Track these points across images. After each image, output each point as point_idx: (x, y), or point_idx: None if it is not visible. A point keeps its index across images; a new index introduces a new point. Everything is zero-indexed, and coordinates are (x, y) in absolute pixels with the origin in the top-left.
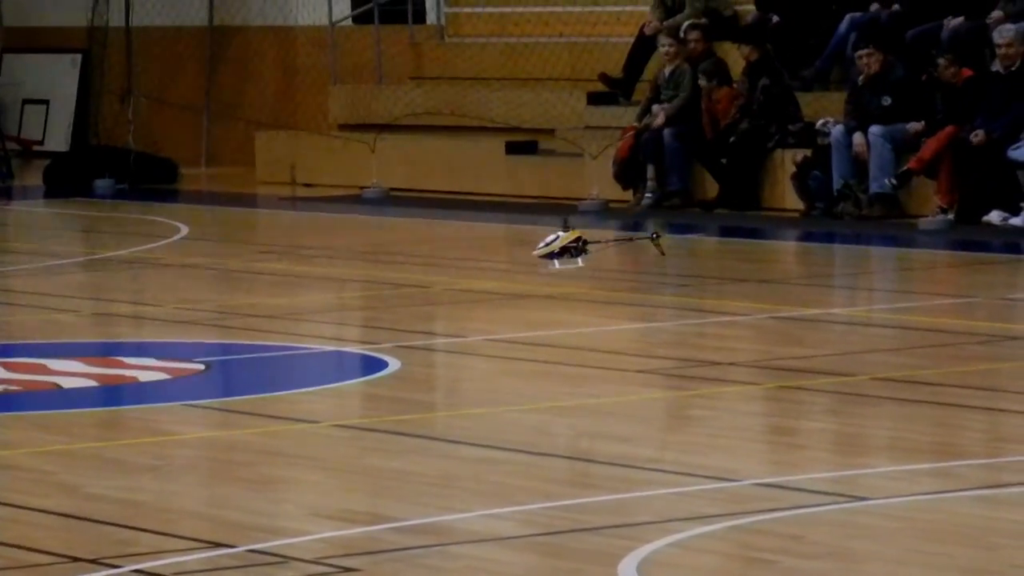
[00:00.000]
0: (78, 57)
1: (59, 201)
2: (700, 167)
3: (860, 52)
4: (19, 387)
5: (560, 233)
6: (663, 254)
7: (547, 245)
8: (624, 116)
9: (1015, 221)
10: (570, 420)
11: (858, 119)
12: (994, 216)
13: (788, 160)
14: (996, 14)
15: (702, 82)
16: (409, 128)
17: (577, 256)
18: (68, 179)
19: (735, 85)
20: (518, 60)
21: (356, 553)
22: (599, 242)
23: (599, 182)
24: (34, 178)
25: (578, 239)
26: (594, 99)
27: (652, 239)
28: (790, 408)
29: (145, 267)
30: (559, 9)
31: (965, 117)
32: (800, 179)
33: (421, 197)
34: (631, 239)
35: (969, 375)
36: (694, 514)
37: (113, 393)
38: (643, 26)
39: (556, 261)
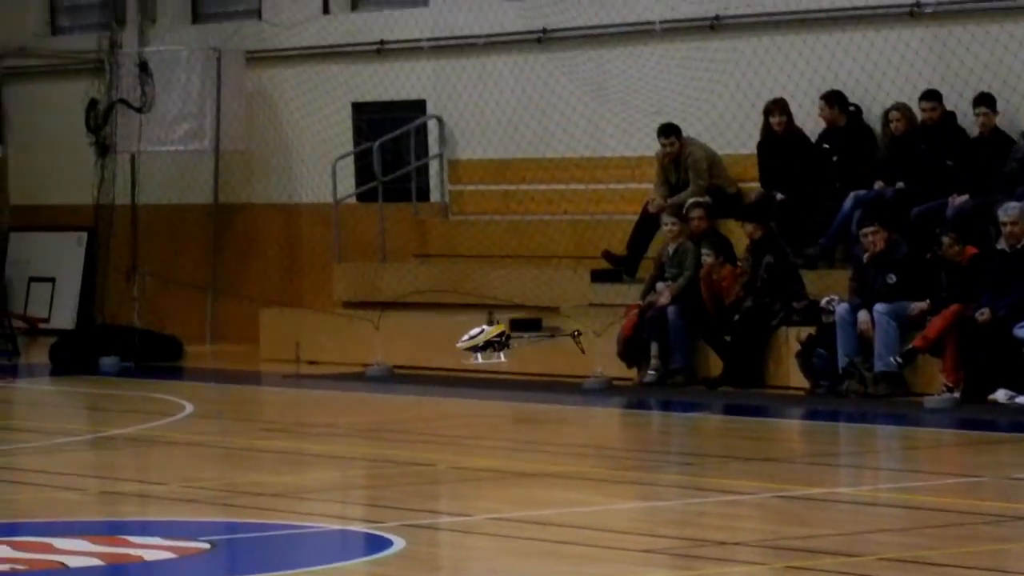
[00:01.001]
0: (84, 235)
1: (65, 379)
2: (704, 345)
3: (865, 230)
4: (25, 566)
5: (485, 327)
6: (583, 352)
7: (471, 339)
8: (628, 294)
9: (1022, 400)
10: None
11: (863, 297)
12: (1000, 395)
13: (792, 338)
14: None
15: (707, 259)
16: (413, 306)
17: (500, 350)
18: (74, 357)
19: (739, 263)
20: (522, 238)
21: None
22: (522, 336)
23: (603, 360)
24: (40, 356)
25: (501, 333)
26: (598, 276)
27: (573, 336)
28: None
29: (150, 445)
30: (562, 187)
31: (970, 295)
32: (805, 357)
33: (425, 374)
34: (552, 335)
35: (976, 556)
36: None
37: (119, 572)
38: (647, 204)
39: (479, 355)
